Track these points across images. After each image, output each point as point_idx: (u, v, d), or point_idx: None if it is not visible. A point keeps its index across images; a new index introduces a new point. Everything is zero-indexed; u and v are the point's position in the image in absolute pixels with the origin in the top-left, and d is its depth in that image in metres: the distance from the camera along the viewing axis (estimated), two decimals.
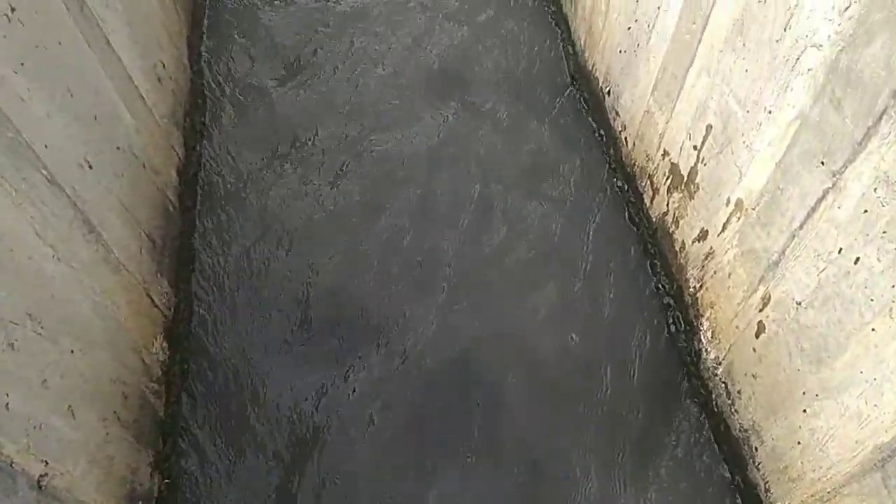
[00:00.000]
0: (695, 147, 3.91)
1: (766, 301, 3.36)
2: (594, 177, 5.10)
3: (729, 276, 3.69)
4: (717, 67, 3.59)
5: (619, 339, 4.32)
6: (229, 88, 5.61)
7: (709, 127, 3.72)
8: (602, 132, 5.26)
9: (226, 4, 6.34)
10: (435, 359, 4.25)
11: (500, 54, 5.96)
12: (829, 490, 3.03)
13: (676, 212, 4.22)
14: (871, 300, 2.65)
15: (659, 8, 4.14)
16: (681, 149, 4.08)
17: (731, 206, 3.58)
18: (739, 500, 3.72)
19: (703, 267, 3.96)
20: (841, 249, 2.79)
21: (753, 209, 3.39)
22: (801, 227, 3.04)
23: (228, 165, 5.13)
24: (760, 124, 3.26)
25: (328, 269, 4.63)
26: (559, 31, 6.08)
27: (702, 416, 4.02)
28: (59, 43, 3.35)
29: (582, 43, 5.58)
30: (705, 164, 3.82)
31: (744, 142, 3.41)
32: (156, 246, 4.09)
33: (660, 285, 4.48)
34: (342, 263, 4.67)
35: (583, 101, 5.55)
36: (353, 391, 4.11)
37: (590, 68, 5.44)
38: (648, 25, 4.31)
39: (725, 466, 3.83)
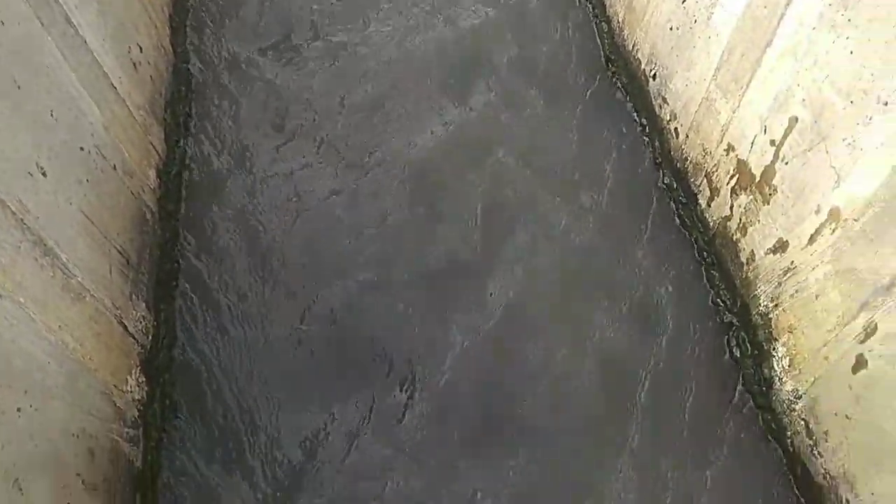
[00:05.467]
0: (772, 142, 3.28)
1: (869, 332, 2.75)
2: (636, 172, 4.46)
3: (816, 298, 3.07)
4: (806, 48, 2.95)
5: (673, 361, 3.72)
6: (218, 73, 4.94)
7: (793, 119, 3.09)
8: (645, 121, 4.62)
9: None
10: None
11: (520, 36, 5.27)
12: None
13: (743, 217, 3.60)
14: None
15: None
16: (752, 144, 3.45)
17: (823, 216, 2.96)
18: None
19: (779, 284, 3.35)
20: None
21: (856, 220, 2.77)
22: None
23: (218, 163, 4.48)
24: (871, 118, 2.63)
25: (332, 285, 4.00)
26: (590, 6, 5.40)
27: (771, 449, 3.44)
28: (1, 23, 2.70)
29: (620, 19, 4.91)
30: (786, 164, 3.19)
31: (844, 139, 2.78)
32: (130, 263, 3.47)
33: (720, 300, 3.86)
34: (348, 280, 4.04)
35: (620, 86, 4.89)
36: (358, 418, 3.53)
37: (630, 48, 4.78)
38: None
39: None
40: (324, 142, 4.62)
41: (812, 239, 3.06)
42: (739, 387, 3.65)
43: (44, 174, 2.81)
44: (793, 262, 3.21)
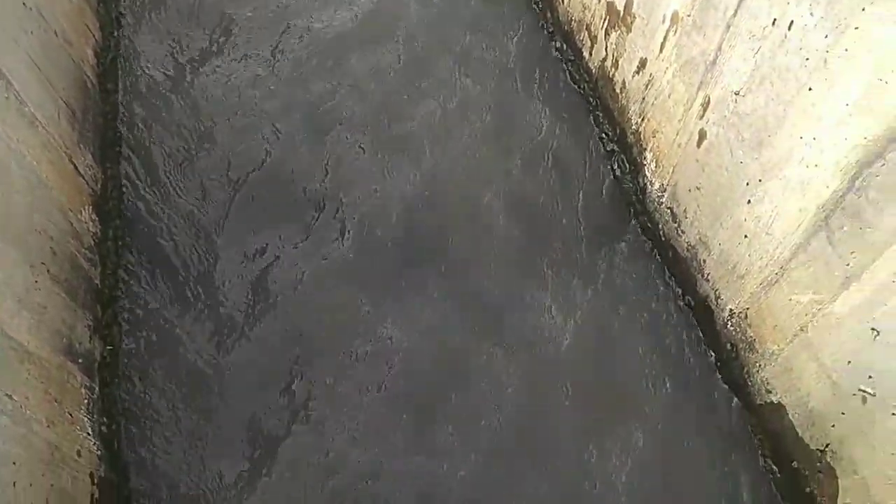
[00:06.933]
0: None
1: (706, 105, 3.37)
2: (532, 43, 5.03)
3: (669, 97, 3.68)
4: None
5: (565, 195, 4.30)
6: None
7: None
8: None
9: None
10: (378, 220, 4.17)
11: None
12: (776, 271, 3.08)
13: (615, 52, 4.20)
14: (807, 59, 2.66)
15: None
16: None
17: (668, 22, 3.56)
18: (693, 318, 3.77)
19: (643, 99, 3.95)
20: (775, 20, 2.80)
21: (689, 15, 3.37)
22: (735, 13, 3.04)
23: (150, 54, 4.86)
24: None
25: (258, 147, 4.46)
26: None
27: (650, 248, 4.05)
28: None
29: None
30: None
31: None
32: (76, 116, 3.85)
33: (603, 134, 4.47)
34: (272, 142, 4.50)
35: None
36: (297, 251, 4.01)
37: None
38: None
39: (677, 291, 3.88)
40: (247, 32, 5.07)
41: (662, 47, 3.66)
42: (621, 200, 4.26)
43: None
44: (651, 74, 3.82)
